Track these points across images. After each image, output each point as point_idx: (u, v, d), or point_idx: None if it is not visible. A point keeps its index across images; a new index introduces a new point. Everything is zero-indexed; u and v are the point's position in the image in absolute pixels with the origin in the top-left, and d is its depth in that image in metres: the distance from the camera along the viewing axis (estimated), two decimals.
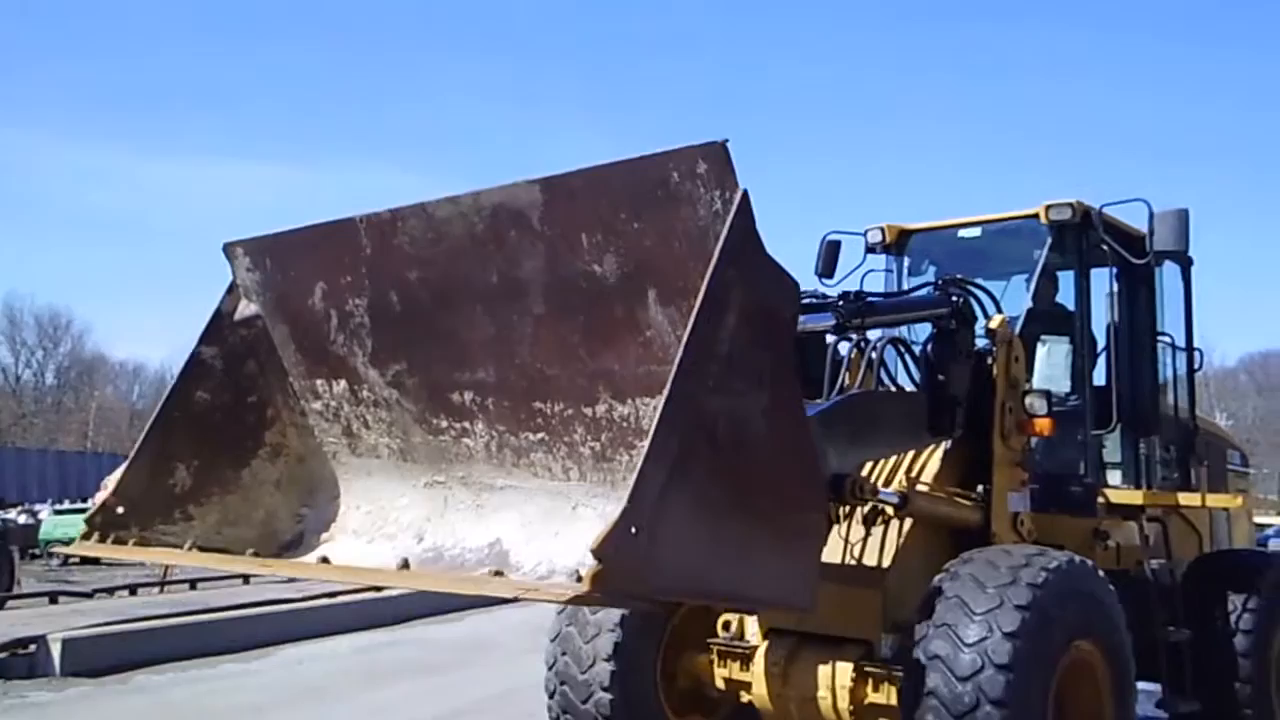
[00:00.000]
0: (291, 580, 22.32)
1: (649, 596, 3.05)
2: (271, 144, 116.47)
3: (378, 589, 18.65)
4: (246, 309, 4.82)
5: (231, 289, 4.84)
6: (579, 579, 2.92)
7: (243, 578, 22.69)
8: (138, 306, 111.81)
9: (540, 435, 4.20)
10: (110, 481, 4.45)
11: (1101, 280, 7.85)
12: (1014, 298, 7.60)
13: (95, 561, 30.42)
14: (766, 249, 3.46)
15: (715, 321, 3.29)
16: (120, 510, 4.42)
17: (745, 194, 3.35)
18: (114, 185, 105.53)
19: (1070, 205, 7.49)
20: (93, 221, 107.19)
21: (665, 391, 3.15)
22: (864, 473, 6.11)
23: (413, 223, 4.16)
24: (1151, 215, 7.44)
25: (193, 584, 21.15)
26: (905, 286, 8.46)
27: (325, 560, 3.97)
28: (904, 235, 8.47)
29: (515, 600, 3.17)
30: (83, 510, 32.70)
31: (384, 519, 4.70)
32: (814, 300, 6.21)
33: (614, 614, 6.45)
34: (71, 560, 30.12)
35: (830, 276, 8.41)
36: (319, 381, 4.79)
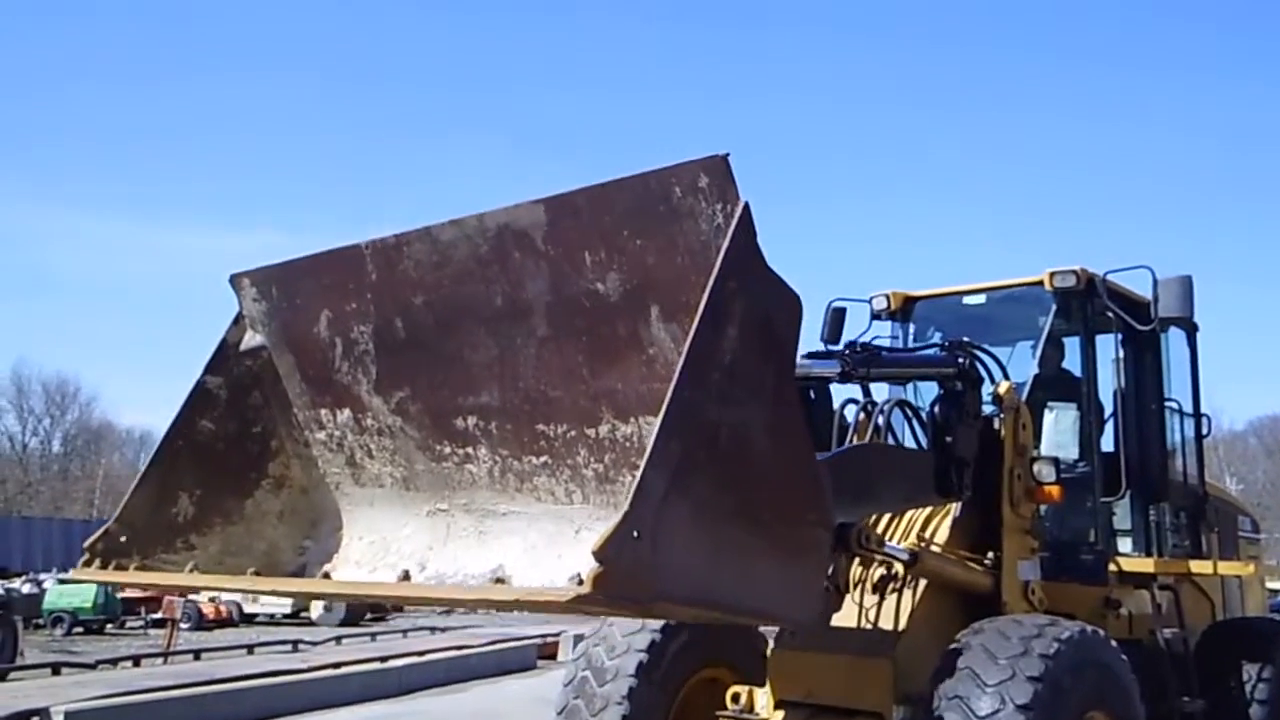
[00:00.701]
0: (296, 650, 22.25)
1: (651, 601, 3.02)
2: (285, 214, 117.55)
3: (382, 659, 18.66)
4: (252, 340, 4.84)
5: (237, 320, 4.87)
6: (580, 582, 2.90)
7: (246, 648, 22.60)
8: (145, 374, 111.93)
9: (543, 459, 4.19)
10: None
11: (1107, 346, 7.91)
12: (1019, 364, 7.62)
13: (100, 631, 30.30)
14: (768, 262, 3.47)
15: (717, 332, 3.29)
16: (123, 538, 4.41)
17: (746, 206, 3.38)
18: (124, 253, 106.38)
19: (1074, 272, 7.55)
20: (102, 289, 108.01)
21: (666, 398, 3.15)
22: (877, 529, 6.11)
23: (417, 246, 4.20)
24: (1156, 282, 7.51)
25: (196, 655, 21.03)
26: None
27: (327, 577, 3.95)
28: (909, 302, 8.53)
29: (516, 607, 3.13)
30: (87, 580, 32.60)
31: (386, 549, 4.67)
32: (821, 351, 6.24)
33: (621, 686, 6.40)
34: (75, 630, 29.92)
35: (836, 343, 8.45)
36: (323, 411, 4.80)
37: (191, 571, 4.30)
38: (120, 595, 31.83)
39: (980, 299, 8.18)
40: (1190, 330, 8.49)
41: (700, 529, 3.19)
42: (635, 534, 2.96)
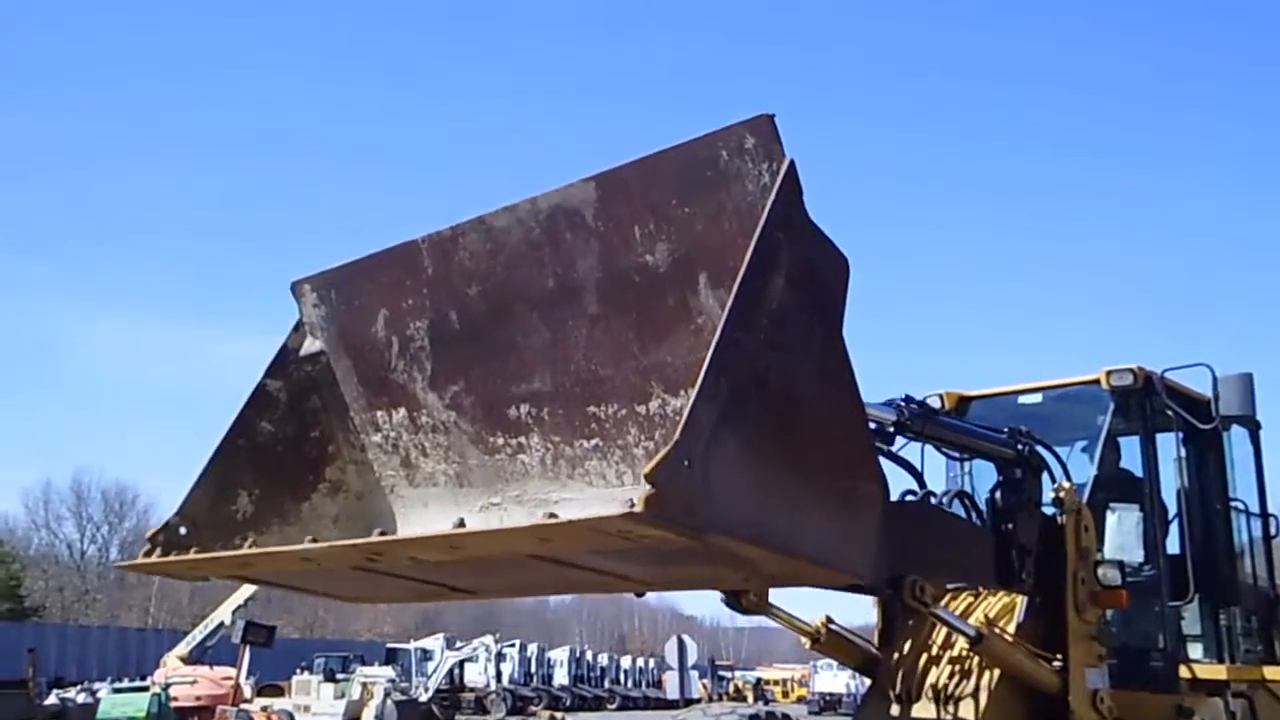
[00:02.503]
0: None
1: (704, 530, 3.01)
2: None
3: None
4: (311, 345, 4.94)
5: (297, 327, 4.98)
6: (632, 505, 2.91)
7: None
8: None
9: (594, 441, 4.23)
10: None
11: (1168, 446, 7.78)
12: (1078, 464, 7.54)
13: None
14: (812, 219, 3.54)
15: (764, 279, 3.34)
16: (182, 530, 4.46)
17: (792, 164, 3.46)
18: (184, 362, 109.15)
19: (1131, 371, 7.51)
20: (162, 397, 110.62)
21: (714, 339, 3.19)
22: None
23: (472, 237, 4.31)
24: (1215, 380, 7.49)
25: None
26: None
27: (383, 534, 3.97)
28: (963, 402, 8.44)
29: (569, 541, 3.13)
30: (142, 689, 32.61)
31: None
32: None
33: None
34: None
35: (890, 444, 8.41)
36: (379, 413, 4.87)
37: (250, 547, 4.34)
38: (174, 705, 31.74)
39: (1036, 398, 8.10)
40: (1253, 428, 8.32)
41: (750, 469, 3.20)
42: (686, 463, 2.98)
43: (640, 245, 3.88)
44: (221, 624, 36.61)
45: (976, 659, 6.38)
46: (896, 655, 6.81)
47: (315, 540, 4.11)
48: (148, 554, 4.41)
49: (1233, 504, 8.16)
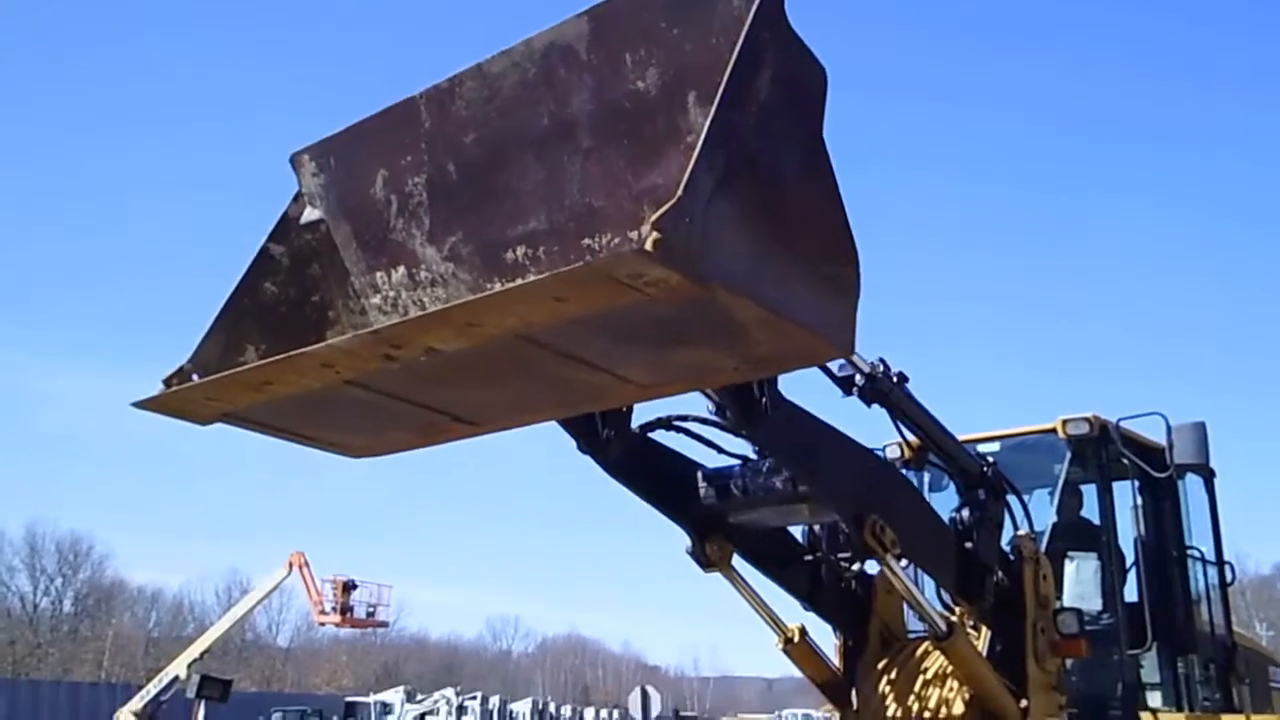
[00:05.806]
0: None
1: (705, 280, 3.22)
2: None
3: None
4: (311, 214, 5.12)
5: (297, 198, 5.15)
6: (641, 245, 3.14)
7: None
8: (161, 532, 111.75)
9: None
10: None
11: (1124, 494, 8.00)
12: (1037, 512, 7.60)
13: None
14: (794, 29, 3.82)
15: (752, 71, 3.59)
16: (195, 377, 4.61)
17: None
18: (144, 416, 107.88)
19: (1088, 420, 7.71)
20: (121, 450, 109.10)
21: (709, 117, 3.45)
22: None
23: (469, 85, 4.53)
24: (1169, 429, 7.70)
25: None
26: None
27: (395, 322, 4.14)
28: (923, 451, 8.30)
29: (583, 289, 3.31)
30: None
31: None
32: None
33: None
34: None
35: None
36: (379, 274, 5.05)
37: (262, 358, 4.48)
38: None
39: (994, 447, 8.20)
40: (1207, 476, 8.60)
41: (744, 236, 3.43)
42: (688, 219, 3.23)
43: (632, 72, 4.12)
44: (176, 678, 36.15)
45: (944, 693, 6.47)
46: (862, 694, 6.87)
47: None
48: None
49: (1189, 552, 8.38)
